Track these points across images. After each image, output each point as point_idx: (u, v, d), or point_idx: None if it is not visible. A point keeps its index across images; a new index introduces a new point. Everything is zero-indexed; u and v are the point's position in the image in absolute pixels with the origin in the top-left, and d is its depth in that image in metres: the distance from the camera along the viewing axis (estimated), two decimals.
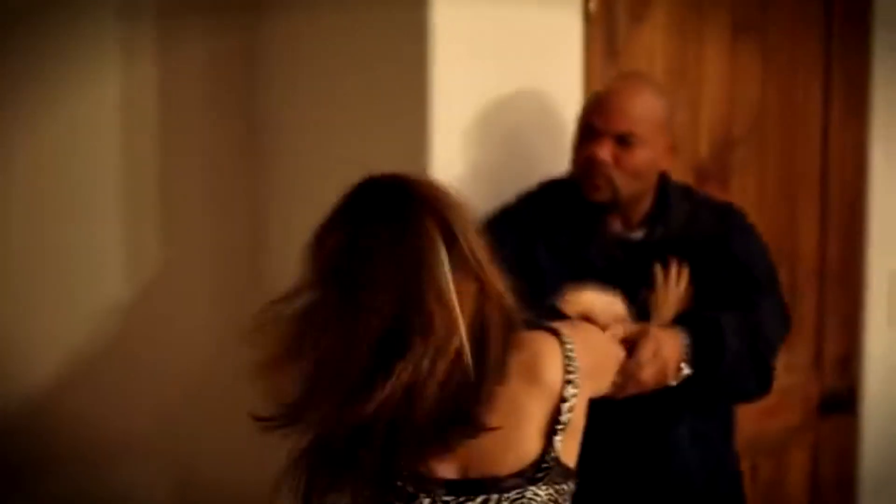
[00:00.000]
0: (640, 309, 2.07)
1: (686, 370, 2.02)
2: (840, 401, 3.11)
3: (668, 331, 2.02)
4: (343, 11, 2.49)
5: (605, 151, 2.15)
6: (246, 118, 2.75)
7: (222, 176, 2.74)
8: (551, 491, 1.61)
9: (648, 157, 2.18)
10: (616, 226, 2.24)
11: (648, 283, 2.13)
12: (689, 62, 2.77)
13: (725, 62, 2.84)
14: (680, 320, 2.08)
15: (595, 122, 2.18)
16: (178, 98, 2.65)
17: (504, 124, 2.43)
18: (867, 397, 3.13)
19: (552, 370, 1.61)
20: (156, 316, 2.66)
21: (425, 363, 1.50)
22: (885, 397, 3.15)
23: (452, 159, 2.33)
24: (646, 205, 2.25)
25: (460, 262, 1.55)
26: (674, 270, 2.15)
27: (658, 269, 2.14)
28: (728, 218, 2.29)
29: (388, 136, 2.42)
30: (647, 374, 1.93)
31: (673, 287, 2.14)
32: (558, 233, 2.23)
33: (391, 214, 1.54)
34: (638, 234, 2.25)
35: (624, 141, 2.15)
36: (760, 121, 2.92)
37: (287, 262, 2.73)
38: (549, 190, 2.31)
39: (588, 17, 2.54)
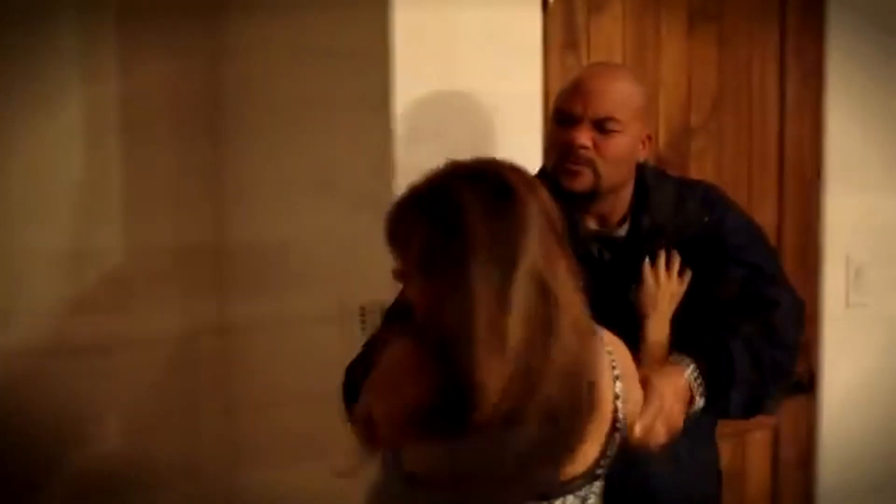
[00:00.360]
0: (630, 308, 2.03)
1: (699, 402, 1.97)
2: (799, 383, 3.14)
3: (671, 373, 1.95)
4: (304, 13, 2.49)
5: (584, 136, 2.03)
6: (209, 122, 2.75)
7: (186, 179, 2.74)
8: (601, 484, 1.64)
9: (628, 143, 2.07)
10: (592, 224, 2.13)
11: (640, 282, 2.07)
12: (647, 52, 2.78)
13: (683, 51, 2.86)
14: (684, 345, 2.00)
15: (572, 109, 2.06)
16: (141, 101, 2.65)
17: (465, 117, 2.44)
18: (826, 379, 3.17)
19: (604, 371, 1.62)
20: (121, 317, 2.66)
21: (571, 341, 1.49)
22: (843, 379, 3.19)
23: (415, 154, 2.34)
24: (625, 198, 2.13)
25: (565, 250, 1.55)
26: (662, 262, 2.07)
27: (646, 265, 2.06)
28: (712, 200, 2.20)
29: (350, 132, 2.42)
30: (659, 434, 1.86)
31: (665, 281, 2.06)
32: None
33: (507, 198, 1.52)
34: (622, 231, 2.13)
35: (603, 127, 2.04)
36: (718, 109, 2.94)
37: (248, 265, 2.75)
38: None
39: (546, 9, 2.55)
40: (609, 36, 2.70)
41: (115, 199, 2.67)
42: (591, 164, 2.04)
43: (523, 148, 2.41)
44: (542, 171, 2.16)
